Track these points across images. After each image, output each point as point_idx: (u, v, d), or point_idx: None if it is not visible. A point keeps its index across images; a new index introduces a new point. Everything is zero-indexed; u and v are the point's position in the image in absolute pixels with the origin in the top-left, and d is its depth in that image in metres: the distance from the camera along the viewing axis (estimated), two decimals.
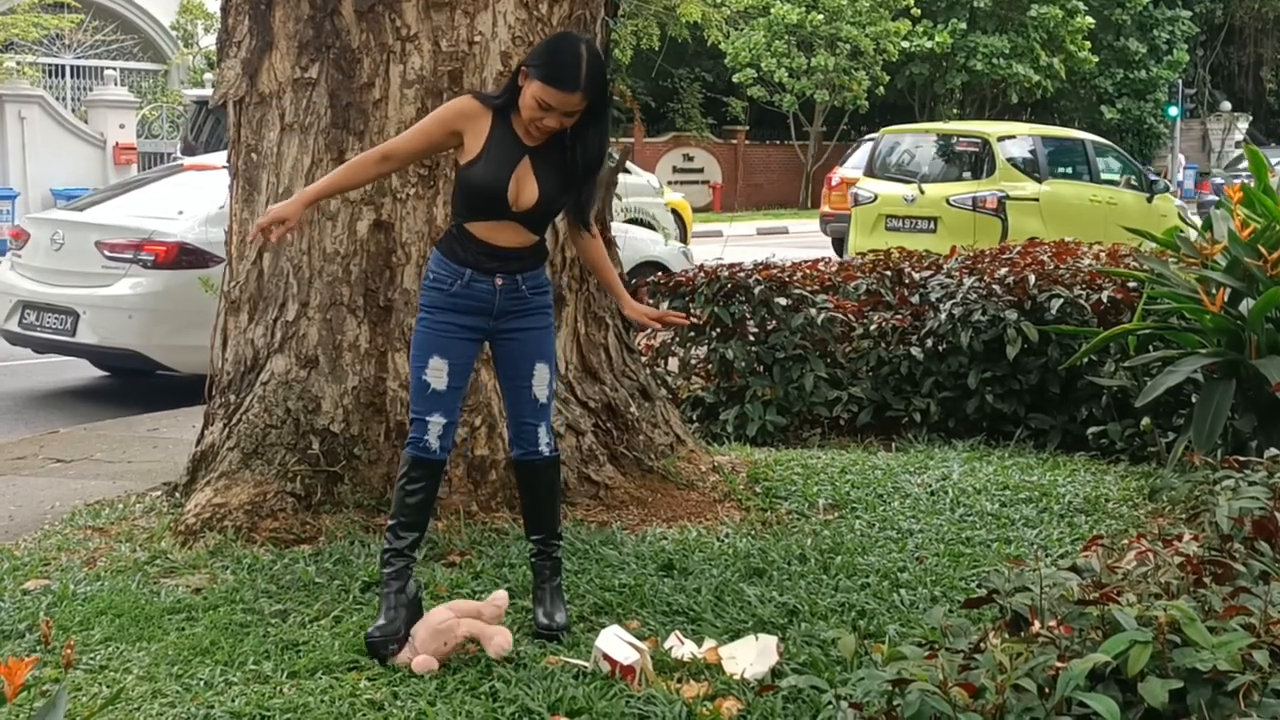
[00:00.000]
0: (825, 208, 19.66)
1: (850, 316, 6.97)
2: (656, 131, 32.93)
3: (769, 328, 6.85)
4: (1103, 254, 7.25)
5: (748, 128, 34.18)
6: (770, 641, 3.65)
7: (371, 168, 3.93)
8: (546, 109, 3.69)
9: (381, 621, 3.73)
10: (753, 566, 4.43)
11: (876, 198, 14.86)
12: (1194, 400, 5.63)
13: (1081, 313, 6.50)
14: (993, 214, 13.94)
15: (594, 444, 5.24)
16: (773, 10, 30.62)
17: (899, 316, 6.91)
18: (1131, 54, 35.04)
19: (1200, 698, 2.40)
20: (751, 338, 6.91)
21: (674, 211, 18.32)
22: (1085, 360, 6.10)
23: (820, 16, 30.35)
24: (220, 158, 7.72)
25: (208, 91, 15.15)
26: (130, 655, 3.72)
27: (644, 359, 6.32)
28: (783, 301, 6.85)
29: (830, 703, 2.93)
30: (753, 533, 4.88)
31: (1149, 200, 15.16)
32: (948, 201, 14.27)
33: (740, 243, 18.92)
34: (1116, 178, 15.48)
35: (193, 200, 8.78)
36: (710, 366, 6.97)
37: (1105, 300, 6.46)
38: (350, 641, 3.76)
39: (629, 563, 4.47)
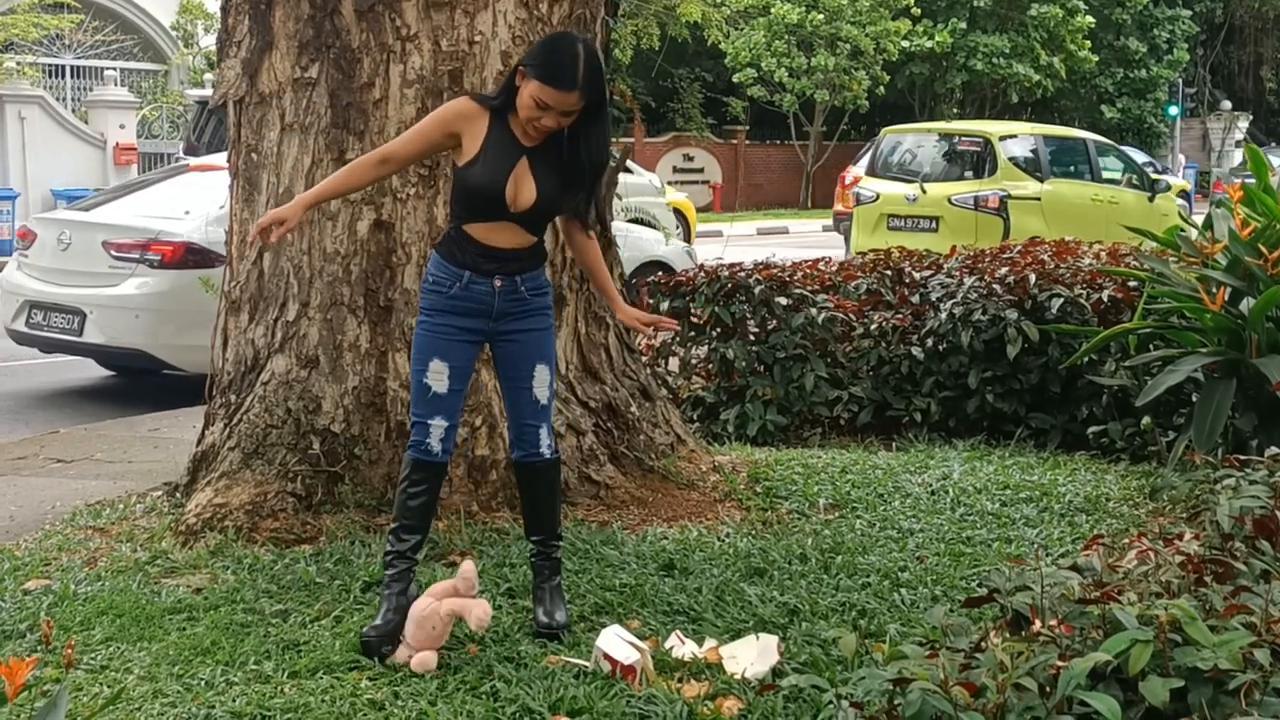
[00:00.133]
0: (838, 206, 19.59)
1: (851, 316, 6.97)
2: (656, 131, 32.92)
3: (769, 327, 6.85)
4: (1103, 253, 7.25)
5: (748, 128, 34.16)
6: (771, 641, 3.65)
7: (370, 171, 3.94)
8: (544, 108, 3.69)
9: (378, 621, 3.75)
10: (753, 566, 4.43)
11: (878, 197, 14.84)
12: (1194, 399, 5.63)
13: (1082, 312, 6.50)
14: (995, 213, 13.93)
15: (594, 444, 5.24)
16: (773, 10, 30.60)
17: (899, 316, 6.91)
18: (1132, 53, 35.06)
19: (1201, 696, 2.40)
20: (752, 337, 6.91)
21: (677, 211, 18.35)
22: (1086, 359, 6.10)
23: (820, 16, 30.33)
24: (224, 158, 7.72)
25: (210, 91, 15.14)
26: (131, 655, 3.72)
27: (644, 359, 6.32)
28: (783, 301, 6.85)
29: (831, 702, 2.93)
30: (753, 532, 4.88)
31: (1150, 199, 15.17)
32: (950, 201, 14.25)
33: (740, 243, 18.94)
34: (1118, 177, 15.49)
35: (199, 200, 8.78)
36: (711, 366, 6.97)
37: (1106, 299, 6.46)
38: (351, 641, 3.76)
39: (629, 562, 4.47)
